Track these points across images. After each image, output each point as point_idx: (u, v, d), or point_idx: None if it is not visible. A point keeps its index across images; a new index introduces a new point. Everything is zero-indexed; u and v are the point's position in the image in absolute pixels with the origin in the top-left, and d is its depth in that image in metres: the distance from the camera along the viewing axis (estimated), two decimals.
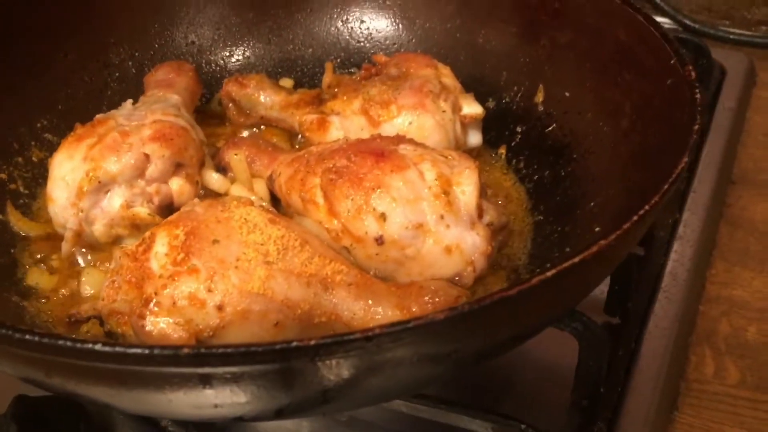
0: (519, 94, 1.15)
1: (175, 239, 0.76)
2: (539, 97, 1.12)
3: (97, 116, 0.98)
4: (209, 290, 0.73)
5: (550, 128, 1.09)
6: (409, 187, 0.81)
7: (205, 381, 0.56)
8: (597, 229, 0.87)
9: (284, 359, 0.54)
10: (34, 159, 1.05)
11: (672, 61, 0.86)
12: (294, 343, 0.52)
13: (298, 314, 0.75)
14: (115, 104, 1.14)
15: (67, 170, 0.89)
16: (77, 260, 0.93)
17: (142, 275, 0.75)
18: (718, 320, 1.12)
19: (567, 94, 1.08)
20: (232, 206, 0.80)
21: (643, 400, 0.95)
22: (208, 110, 1.22)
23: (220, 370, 0.54)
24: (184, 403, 0.62)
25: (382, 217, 0.80)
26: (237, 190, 0.97)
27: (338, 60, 1.29)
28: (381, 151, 0.84)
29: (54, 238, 0.96)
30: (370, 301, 0.77)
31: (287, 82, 1.26)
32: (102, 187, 0.89)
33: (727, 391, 1.02)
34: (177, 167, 0.93)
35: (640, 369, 0.98)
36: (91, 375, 0.59)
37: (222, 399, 0.59)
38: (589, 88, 1.04)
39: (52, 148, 1.07)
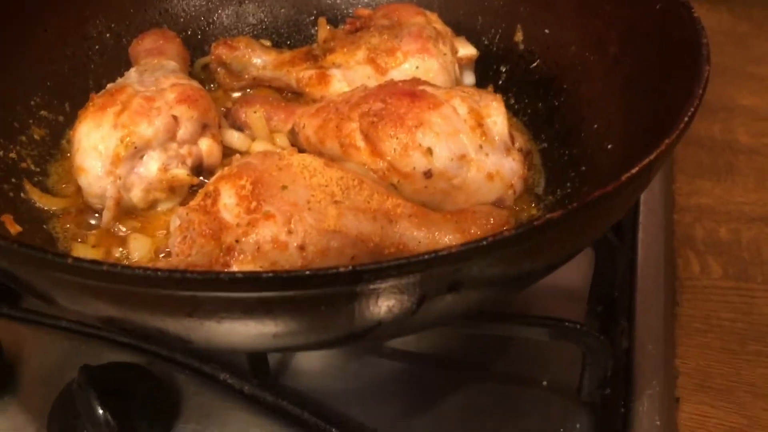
0: (497, 36, 1.21)
1: (243, 189, 0.78)
2: (519, 37, 1.19)
3: (110, 85, 0.97)
4: (289, 232, 0.75)
5: (535, 64, 1.16)
6: (447, 121, 0.87)
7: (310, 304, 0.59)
8: (609, 146, 0.95)
9: (388, 276, 0.58)
10: (36, 137, 1.02)
11: None
12: (395, 262, 0.55)
13: (370, 247, 0.79)
14: (100, 76, 1.14)
15: (97, 139, 0.89)
16: (115, 229, 0.92)
17: (218, 226, 0.77)
18: (692, 226, 1.25)
19: (546, 31, 1.15)
20: (285, 155, 0.83)
21: (651, 300, 1.06)
22: (192, 75, 1.21)
23: (325, 290, 0.58)
24: (248, 333, 0.65)
25: (429, 151, 0.85)
26: (259, 146, 0.99)
27: (312, 17, 1.31)
28: (413, 92, 0.89)
29: (80, 211, 0.95)
30: (431, 229, 0.82)
31: (266, 43, 1.27)
32: (137, 152, 0.89)
33: (714, 284, 1.14)
34: (203, 128, 0.94)
35: (642, 275, 1.09)
36: (172, 305, 0.61)
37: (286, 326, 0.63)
38: (568, 23, 1.11)
39: (49, 125, 1.06)
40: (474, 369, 1.00)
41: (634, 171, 0.65)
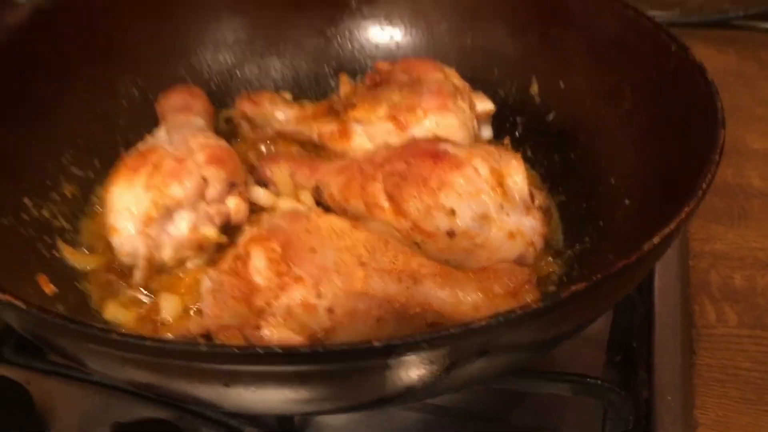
0: (513, 88, 1.25)
1: (273, 252, 0.81)
2: (534, 89, 1.22)
3: (140, 144, 1.00)
4: (318, 295, 0.78)
5: (550, 116, 1.19)
6: (469, 182, 0.89)
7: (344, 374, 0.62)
8: (627, 201, 0.97)
9: (419, 349, 0.60)
10: (67, 194, 1.05)
11: (673, 48, 0.97)
12: (438, 333, 0.58)
13: (396, 308, 0.81)
14: (127, 132, 1.18)
15: (129, 200, 0.91)
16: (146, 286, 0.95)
17: (249, 289, 0.79)
18: (708, 272, 1.26)
19: (562, 84, 1.18)
20: (313, 217, 0.86)
21: (669, 349, 1.07)
22: (216, 128, 1.25)
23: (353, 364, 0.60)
24: (281, 400, 0.67)
25: (452, 212, 0.88)
26: (285, 203, 1.02)
27: (331, 70, 1.35)
28: (436, 153, 0.92)
29: (111, 268, 0.97)
30: (455, 288, 0.84)
31: (287, 96, 1.30)
32: (168, 212, 0.92)
33: (731, 332, 1.15)
34: (231, 187, 0.97)
35: (660, 323, 1.10)
36: (210, 377, 0.63)
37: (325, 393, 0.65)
38: (583, 77, 1.14)
39: (80, 182, 1.09)
40: (494, 421, 1.01)
41: (655, 241, 0.67)
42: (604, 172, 1.06)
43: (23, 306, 0.61)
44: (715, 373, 1.09)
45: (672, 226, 0.69)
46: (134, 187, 0.92)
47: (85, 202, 1.08)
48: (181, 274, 0.96)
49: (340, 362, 0.58)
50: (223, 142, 1.00)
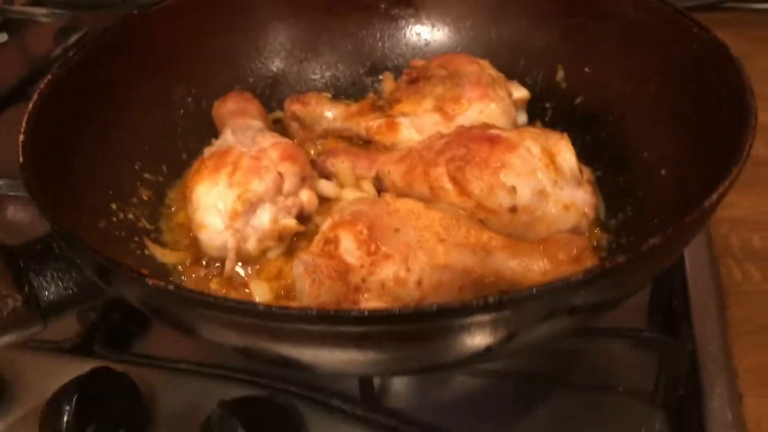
0: (539, 76, 1.34)
1: (360, 234, 0.89)
2: (560, 76, 1.31)
3: (214, 148, 1.09)
4: (408, 269, 0.87)
5: (578, 101, 1.28)
6: (525, 161, 0.99)
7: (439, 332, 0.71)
8: (663, 172, 1.06)
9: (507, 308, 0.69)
10: (144, 198, 1.13)
11: (694, 30, 1.07)
12: (516, 295, 0.66)
13: (474, 278, 0.90)
14: (187, 138, 1.26)
15: (215, 198, 1.00)
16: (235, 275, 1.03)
17: (344, 268, 0.88)
18: (728, 236, 1.36)
19: (587, 70, 1.27)
20: (390, 201, 0.94)
21: (704, 307, 1.17)
22: None
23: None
24: (381, 359, 0.76)
25: (513, 189, 0.97)
26: (348, 193, 1.11)
27: (365, 69, 1.44)
28: (491, 137, 1.01)
29: (195, 263, 1.06)
30: (523, 258, 0.93)
31: (327, 96, 1.39)
32: (252, 207, 1.00)
33: (757, 288, 1.26)
34: (302, 180, 1.06)
35: (693, 284, 1.20)
36: (340, 341, 0.72)
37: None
38: (607, 62, 1.23)
39: (152, 186, 1.17)
40: (553, 381, 1.10)
41: (713, 197, 0.77)
42: (635, 148, 1.15)
43: (172, 288, 0.69)
44: (746, 326, 1.19)
45: (721, 189, 0.78)
46: (218, 185, 1.00)
47: (160, 204, 1.16)
48: (264, 263, 1.04)
49: (435, 320, 0.66)
50: (290, 141, 1.09)
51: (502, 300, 0.66)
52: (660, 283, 1.17)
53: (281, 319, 0.66)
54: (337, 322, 0.65)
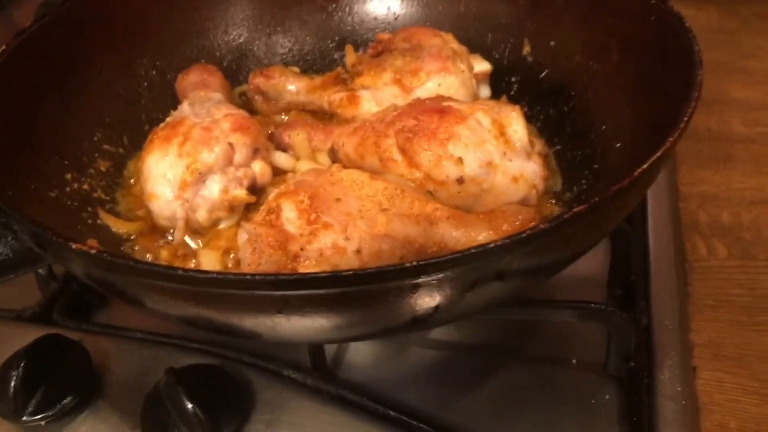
0: (507, 50, 1.33)
1: (302, 204, 0.89)
2: (526, 50, 1.30)
3: (169, 118, 1.09)
4: (347, 238, 0.87)
5: (543, 74, 1.27)
6: (474, 133, 0.98)
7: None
8: (618, 145, 1.05)
9: (438, 270, 0.69)
10: (102, 169, 1.14)
11: (652, 1, 1.06)
12: (448, 257, 0.66)
13: (416, 248, 0.90)
14: (150, 110, 1.26)
15: (165, 168, 1.00)
16: (185, 245, 1.04)
17: (284, 237, 0.88)
18: (697, 212, 1.36)
19: (552, 43, 1.26)
20: (335, 171, 0.94)
21: (664, 281, 1.17)
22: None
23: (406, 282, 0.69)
24: (324, 326, 0.76)
25: (460, 161, 0.97)
26: (304, 165, 1.11)
27: (334, 43, 1.43)
28: (441, 109, 1.00)
29: (151, 233, 1.06)
30: (467, 228, 0.93)
31: (295, 70, 1.39)
32: (201, 177, 1.01)
33: (721, 263, 1.25)
34: (255, 152, 1.06)
35: (655, 259, 1.20)
36: (261, 305, 0.72)
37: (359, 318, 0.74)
38: (571, 35, 1.22)
39: (112, 158, 1.17)
40: (508, 353, 1.11)
41: (644, 167, 0.76)
42: (595, 120, 1.14)
43: (95, 252, 0.70)
44: (708, 301, 1.19)
45: (659, 153, 0.78)
46: (168, 155, 1.00)
47: (119, 176, 1.16)
48: (214, 233, 1.04)
49: (377, 282, 0.66)
50: (244, 112, 1.09)
51: (420, 265, 0.66)
52: (620, 256, 1.17)
53: (197, 283, 0.67)
54: (253, 287, 0.65)
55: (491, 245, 0.68)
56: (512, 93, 1.31)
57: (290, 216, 0.89)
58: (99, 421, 0.99)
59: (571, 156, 1.15)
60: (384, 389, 1.06)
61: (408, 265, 0.66)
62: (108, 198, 1.11)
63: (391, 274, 0.66)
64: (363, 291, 0.68)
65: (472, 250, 0.68)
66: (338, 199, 0.90)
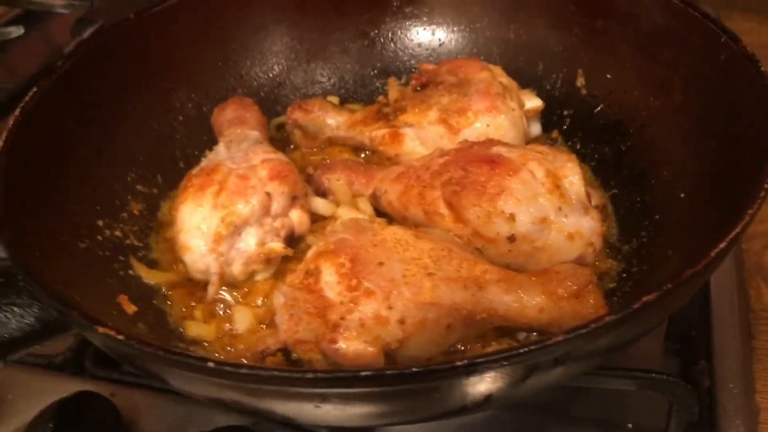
0: (558, 81, 1.25)
1: (342, 267, 0.84)
2: (580, 82, 1.22)
3: (204, 162, 1.04)
4: (389, 307, 0.81)
5: (598, 108, 1.20)
6: (527, 186, 0.91)
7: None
8: (681, 194, 0.98)
9: (497, 366, 0.63)
10: (135, 212, 1.09)
11: (722, 39, 0.97)
12: (505, 354, 0.61)
13: (463, 315, 0.84)
14: (185, 146, 1.22)
15: (199, 219, 0.95)
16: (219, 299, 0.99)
17: (322, 304, 0.83)
18: (762, 254, 1.26)
19: (608, 75, 1.18)
20: (378, 229, 0.89)
21: (727, 335, 1.08)
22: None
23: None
24: (364, 414, 0.71)
25: (512, 217, 0.90)
26: (344, 212, 1.05)
27: (375, 71, 1.37)
28: (491, 158, 0.94)
29: (185, 284, 1.02)
30: (519, 292, 0.86)
31: (334, 100, 1.33)
32: (237, 230, 0.96)
33: None
34: (293, 200, 1.01)
35: (716, 309, 1.12)
36: (303, 399, 0.67)
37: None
38: (630, 68, 1.14)
39: (145, 199, 1.13)
40: (558, 414, 1.04)
41: (721, 246, 0.69)
42: (656, 163, 1.06)
43: (121, 338, 0.65)
44: None
45: (737, 229, 0.70)
46: (203, 206, 0.96)
47: (152, 219, 1.12)
48: (251, 287, 0.99)
49: (423, 382, 0.61)
50: (282, 156, 1.03)
51: (472, 364, 0.60)
52: (678, 316, 1.09)
53: (228, 377, 0.62)
54: (286, 383, 0.60)
55: (550, 341, 0.61)
56: (564, 128, 1.24)
57: (330, 280, 0.84)
58: None
59: (629, 202, 1.07)
60: None
61: (459, 364, 0.60)
62: (141, 244, 1.07)
63: (439, 373, 0.60)
64: (407, 390, 0.62)
65: (530, 347, 0.61)
66: (381, 263, 0.84)
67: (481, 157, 0.94)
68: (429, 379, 0.60)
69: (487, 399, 0.68)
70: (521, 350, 0.61)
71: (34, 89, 1.00)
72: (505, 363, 0.61)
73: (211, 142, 1.20)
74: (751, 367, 1.08)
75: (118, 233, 1.04)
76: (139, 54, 1.19)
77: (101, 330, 0.66)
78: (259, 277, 1.00)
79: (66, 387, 1.02)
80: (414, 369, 0.60)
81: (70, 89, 1.05)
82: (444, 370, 0.60)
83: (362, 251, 0.85)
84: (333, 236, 0.89)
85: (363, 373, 0.61)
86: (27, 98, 0.99)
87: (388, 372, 0.60)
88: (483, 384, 0.65)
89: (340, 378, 0.60)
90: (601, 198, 0.99)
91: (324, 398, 0.64)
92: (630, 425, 1.01)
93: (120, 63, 1.15)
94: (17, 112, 0.96)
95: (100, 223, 1.02)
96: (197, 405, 1.01)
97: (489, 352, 0.61)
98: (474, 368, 0.60)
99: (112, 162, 1.10)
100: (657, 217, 1.01)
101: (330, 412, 0.68)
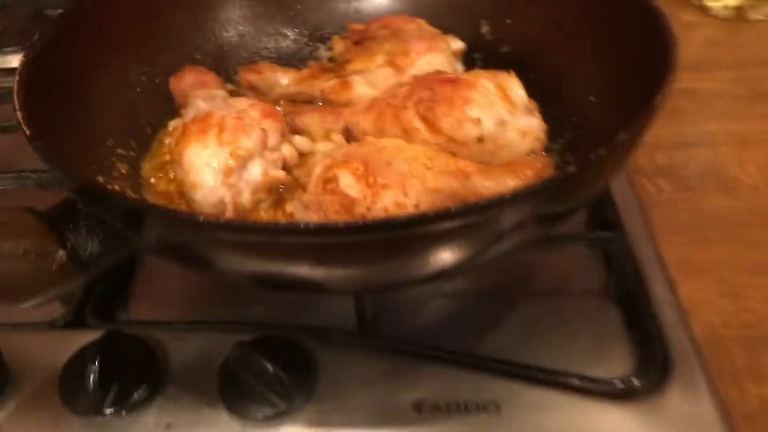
0: (465, 32, 1.47)
1: (357, 171, 0.99)
2: (485, 29, 1.45)
3: (192, 116, 1.14)
4: (405, 195, 0.97)
5: (503, 49, 1.43)
6: (485, 96, 1.11)
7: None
8: (591, 98, 1.22)
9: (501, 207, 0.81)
10: (123, 171, 1.17)
11: None
12: (500, 198, 0.77)
13: (460, 199, 1.02)
14: (148, 115, 1.31)
15: (208, 157, 1.06)
16: None
17: (348, 201, 0.97)
18: (635, 157, 1.56)
19: (509, 21, 1.42)
20: (374, 141, 1.05)
21: (631, 213, 1.35)
22: None
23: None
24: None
25: (478, 122, 1.09)
26: (322, 146, 1.20)
27: (305, 37, 1.53)
28: (451, 79, 1.13)
29: None
30: (496, 178, 1.06)
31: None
32: (244, 162, 1.07)
33: (669, 197, 1.46)
34: (282, 136, 1.14)
35: (618, 196, 1.38)
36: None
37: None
38: (526, 12, 1.40)
39: (128, 160, 1.21)
40: (518, 294, 1.24)
41: (659, 98, 0.91)
42: (564, 82, 1.30)
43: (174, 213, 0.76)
44: (665, 229, 1.38)
45: (659, 95, 0.93)
46: (209, 146, 1.06)
47: (137, 177, 1.20)
48: (257, 217, 1.11)
49: (429, 224, 0.75)
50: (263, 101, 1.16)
51: (476, 206, 0.76)
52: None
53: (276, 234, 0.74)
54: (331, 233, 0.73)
55: (538, 185, 0.78)
56: (478, 68, 1.45)
57: (349, 182, 0.99)
58: (173, 404, 1.04)
59: (547, 113, 1.29)
60: (421, 338, 1.16)
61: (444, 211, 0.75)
62: (138, 197, 1.14)
63: (454, 214, 0.75)
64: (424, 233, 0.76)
65: (520, 191, 0.78)
66: (389, 163, 1.00)
67: (443, 79, 1.13)
68: (435, 220, 0.74)
69: (463, 258, 0.84)
70: (515, 194, 0.77)
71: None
72: (498, 205, 0.78)
73: (169, 109, 1.30)
74: (652, 235, 1.35)
75: (117, 188, 1.12)
76: (96, 32, 1.26)
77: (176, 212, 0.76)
78: (263, 206, 1.12)
79: (77, 341, 1.07)
80: (419, 213, 0.76)
81: (50, 66, 1.11)
82: (455, 212, 0.75)
83: (370, 157, 1.01)
84: (334, 154, 1.04)
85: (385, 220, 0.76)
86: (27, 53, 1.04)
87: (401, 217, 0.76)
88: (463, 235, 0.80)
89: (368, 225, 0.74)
90: (536, 105, 1.21)
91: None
92: (577, 290, 1.24)
93: (83, 40, 1.22)
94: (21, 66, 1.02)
95: (101, 179, 1.10)
96: (216, 331, 1.11)
97: (487, 199, 0.77)
98: (461, 213, 0.76)
99: (94, 131, 1.17)
100: (574, 119, 1.24)
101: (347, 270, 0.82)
